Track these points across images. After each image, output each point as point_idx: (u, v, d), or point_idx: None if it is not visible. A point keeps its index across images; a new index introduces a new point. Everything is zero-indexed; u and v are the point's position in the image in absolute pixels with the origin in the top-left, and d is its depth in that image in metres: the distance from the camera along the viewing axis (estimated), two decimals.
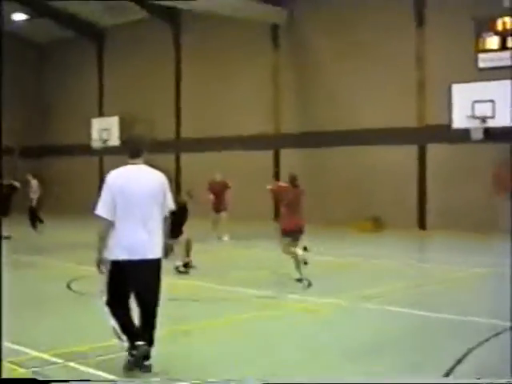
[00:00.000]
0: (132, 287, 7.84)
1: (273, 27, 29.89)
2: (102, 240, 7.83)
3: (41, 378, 7.37)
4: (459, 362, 7.96)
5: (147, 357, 7.68)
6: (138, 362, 7.64)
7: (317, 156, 28.50)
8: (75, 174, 38.62)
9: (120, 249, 7.72)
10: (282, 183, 16.89)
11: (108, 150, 35.51)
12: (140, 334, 7.76)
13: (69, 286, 13.63)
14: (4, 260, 11.77)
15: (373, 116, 26.62)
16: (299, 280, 13.59)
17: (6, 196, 24.19)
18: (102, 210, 7.81)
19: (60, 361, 8.21)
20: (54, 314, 11.21)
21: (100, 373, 7.70)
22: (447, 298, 12.39)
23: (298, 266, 13.81)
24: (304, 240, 14.34)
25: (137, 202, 7.79)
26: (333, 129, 27.71)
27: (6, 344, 8.90)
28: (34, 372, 7.71)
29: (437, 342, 9.11)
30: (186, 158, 33.69)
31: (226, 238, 22.43)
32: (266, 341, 9.34)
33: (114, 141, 34.68)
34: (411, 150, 26.02)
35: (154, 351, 7.79)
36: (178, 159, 33.98)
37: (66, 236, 24.92)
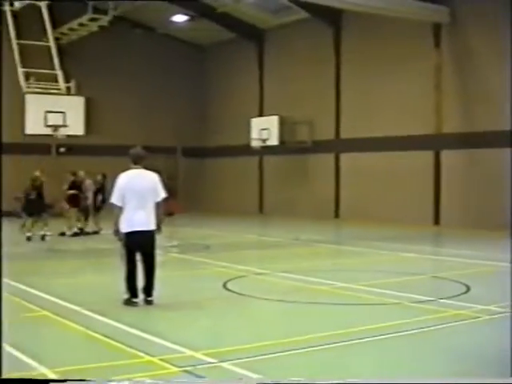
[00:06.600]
0: (138, 248, 11.64)
1: (435, 26, 29.21)
2: (117, 218, 11.61)
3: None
4: None
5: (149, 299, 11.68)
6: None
7: (479, 157, 27.64)
8: (235, 174, 39.23)
9: (129, 224, 11.52)
10: None
11: (267, 150, 35.87)
12: (137, 293, 11.61)
13: (225, 286, 13.80)
14: (162, 258, 12.09)
15: None
16: None
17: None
18: (114, 199, 11.63)
19: (213, 360, 8.25)
20: (209, 313, 11.36)
21: (251, 374, 7.69)
22: None
23: None
24: None
25: (137, 193, 11.52)
26: (495, 129, 26.75)
27: (161, 342, 9.15)
28: (185, 371, 7.81)
29: None
30: (345, 157, 33.56)
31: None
32: (425, 350, 9.15)
33: (274, 140, 34.93)
34: None
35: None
36: (337, 159, 33.88)
37: (227, 236, 25.32)
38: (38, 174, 23.50)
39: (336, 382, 7.15)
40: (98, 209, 24.89)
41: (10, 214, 31.13)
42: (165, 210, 17.03)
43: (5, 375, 6.42)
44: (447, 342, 9.52)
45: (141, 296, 11.69)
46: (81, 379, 7.13)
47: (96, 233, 24.76)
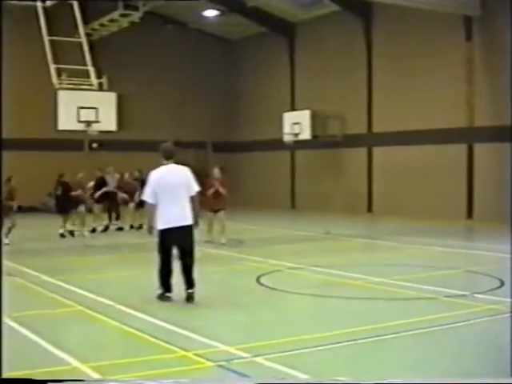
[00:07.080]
0: (176, 244, 11.50)
1: (465, 19, 28.94)
2: (149, 215, 11.87)
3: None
4: None
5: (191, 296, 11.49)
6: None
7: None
8: (267, 168, 39.20)
9: (164, 221, 11.37)
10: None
11: (299, 144, 35.78)
12: (171, 288, 11.61)
13: (259, 281, 13.81)
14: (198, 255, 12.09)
15: None
16: None
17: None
18: (147, 196, 11.63)
19: (247, 355, 8.26)
20: (243, 308, 11.40)
21: (285, 369, 7.68)
22: None
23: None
24: None
25: (170, 189, 11.38)
26: None
27: (195, 336, 9.17)
28: (219, 366, 7.82)
29: None
30: (377, 151, 33.40)
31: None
32: (455, 345, 9.08)
33: (306, 135, 34.82)
34: None
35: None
36: (369, 153, 33.73)
37: (259, 230, 25.33)
38: (81, 175, 23.57)
39: (336, 382, 7.17)
40: (140, 204, 24.77)
41: (44, 210, 31.47)
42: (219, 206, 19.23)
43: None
44: (480, 336, 9.46)
45: (174, 291, 11.69)
46: (79, 379, 7.17)
47: (141, 227, 24.53)
